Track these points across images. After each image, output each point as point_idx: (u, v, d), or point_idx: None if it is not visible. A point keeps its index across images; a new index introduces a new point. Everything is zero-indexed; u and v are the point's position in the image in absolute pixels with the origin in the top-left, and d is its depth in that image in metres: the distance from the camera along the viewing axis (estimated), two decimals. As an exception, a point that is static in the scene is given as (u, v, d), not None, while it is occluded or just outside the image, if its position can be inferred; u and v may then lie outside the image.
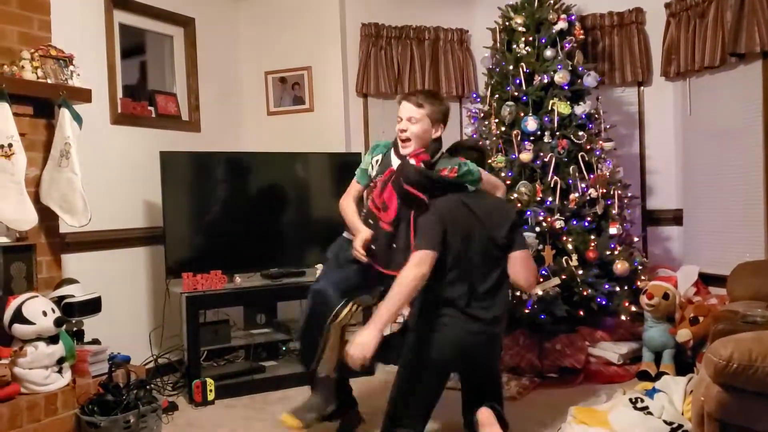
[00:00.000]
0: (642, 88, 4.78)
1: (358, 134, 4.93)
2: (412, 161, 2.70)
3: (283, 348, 4.48)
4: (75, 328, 3.32)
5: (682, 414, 2.60)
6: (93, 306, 3.36)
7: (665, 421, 2.60)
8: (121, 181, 4.04)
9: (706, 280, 4.31)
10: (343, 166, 4.51)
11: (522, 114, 4.02)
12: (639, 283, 3.98)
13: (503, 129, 4.08)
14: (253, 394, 3.86)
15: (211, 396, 3.70)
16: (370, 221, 2.87)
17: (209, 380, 3.70)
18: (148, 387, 3.20)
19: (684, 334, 3.59)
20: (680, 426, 2.51)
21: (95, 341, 3.39)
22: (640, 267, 4.00)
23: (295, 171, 4.44)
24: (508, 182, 3.94)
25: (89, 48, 3.83)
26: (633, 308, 3.90)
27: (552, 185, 3.91)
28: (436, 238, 2.60)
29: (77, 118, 3.31)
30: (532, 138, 3.99)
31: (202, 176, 4.18)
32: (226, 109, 4.91)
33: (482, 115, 4.28)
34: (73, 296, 3.28)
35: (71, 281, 3.41)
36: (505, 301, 2.79)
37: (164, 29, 4.52)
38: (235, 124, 4.98)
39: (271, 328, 4.39)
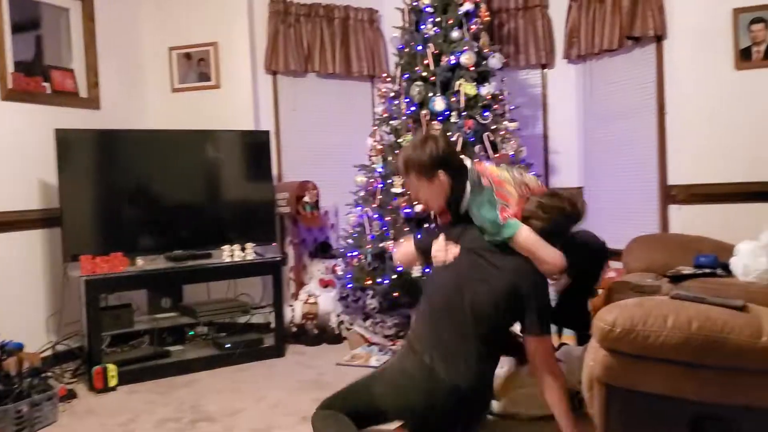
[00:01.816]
0: (545, 70, 4.90)
1: (267, 112, 4.85)
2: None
3: (190, 332, 4.40)
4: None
5: (579, 382, 2.70)
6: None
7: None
8: (14, 161, 3.83)
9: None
10: (252, 144, 4.45)
11: (431, 94, 4.04)
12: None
13: (413, 109, 4.09)
14: (158, 379, 3.77)
15: (113, 382, 3.58)
16: None
17: (111, 366, 3.58)
18: (42, 375, 3.06)
19: (585, 306, 3.72)
20: (577, 393, 2.61)
21: (-15, 328, 3.22)
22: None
23: (202, 149, 4.32)
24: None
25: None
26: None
27: (460, 164, 3.95)
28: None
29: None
30: (440, 118, 4.02)
31: (101, 155, 4.01)
32: (127, 86, 4.72)
33: (393, 94, 4.27)
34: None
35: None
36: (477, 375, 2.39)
37: (60, 1, 4.29)
38: (138, 101, 4.80)
39: (176, 312, 4.28)
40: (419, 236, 2.78)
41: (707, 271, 2.95)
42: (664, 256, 3.43)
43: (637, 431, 1.64)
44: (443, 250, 2.53)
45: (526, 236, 2.38)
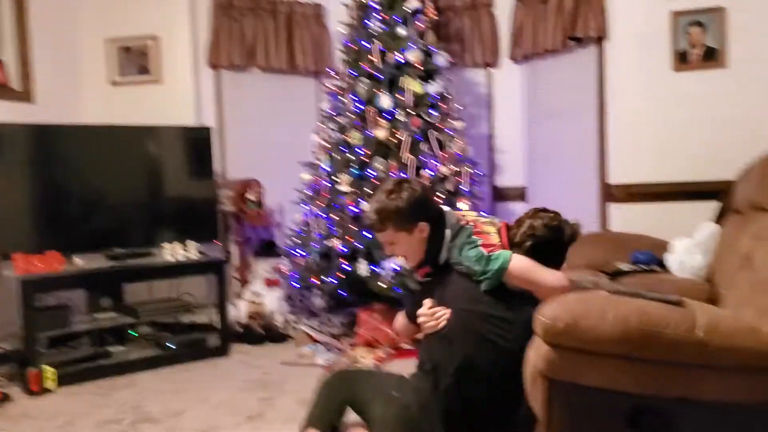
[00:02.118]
0: (491, 69, 4.96)
1: (209, 107, 4.77)
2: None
3: (132, 332, 4.29)
4: None
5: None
6: None
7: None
8: (-58, 155, 3.67)
9: (547, 253, 4.56)
10: (194, 140, 4.37)
11: (377, 91, 4.04)
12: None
13: (359, 106, 4.08)
14: (98, 380, 3.66)
15: (50, 385, 3.47)
16: None
17: (47, 368, 3.47)
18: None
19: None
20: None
21: None
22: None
23: (142, 145, 4.22)
24: (365, 159, 3.97)
25: None
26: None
27: (406, 162, 3.96)
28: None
29: None
30: (386, 115, 4.02)
31: (35, 150, 3.87)
32: (63, 79, 4.57)
33: (338, 91, 4.25)
34: None
35: None
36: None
37: (-11, -11, 4.12)
38: (75, 94, 4.65)
39: (117, 312, 4.16)
40: (407, 308, 2.44)
41: (644, 267, 3.05)
42: (603, 254, 3.52)
43: (578, 423, 1.68)
44: (431, 317, 2.22)
45: (519, 263, 2.13)
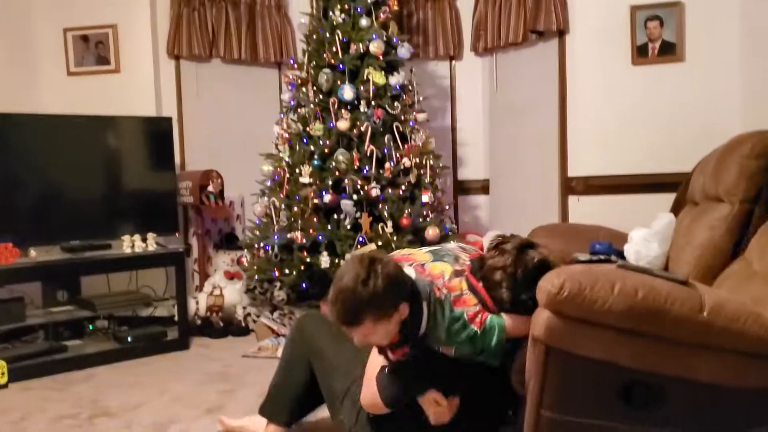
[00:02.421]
0: (453, 62, 4.96)
1: (170, 98, 4.69)
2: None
3: (89, 326, 4.22)
4: None
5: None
6: None
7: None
8: None
9: (509, 245, 4.59)
10: (153, 131, 4.30)
11: (339, 82, 4.02)
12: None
13: (321, 97, 4.06)
14: (54, 374, 3.60)
15: (3, 380, 3.39)
16: None
17: (0, 362, 3.39)
18: None
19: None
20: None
21: None
22: (450, 233, 4.18)
23: (100, 136, 4.14)
24: (327, 150, 3.95)
25: None
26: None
27: (368, 154, 3.95)
28: None
29: None
30: (349, 106, 4.01)
31: (-12, 140, 3.78)
32: (18, 68, 4.46)
33: (300, 81, 4.22)
34: None
35: None
36: None
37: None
38: (30, 84, 4.54)
39: (74, 305, 4.10)
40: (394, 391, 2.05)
41: (602, 257, 3.07)
42: (562, 245, 3.54)
43: (571, 391, 1.69)
44: (445, 409, 1.99)
45: (512, 328, 1.91)
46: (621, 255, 3.09)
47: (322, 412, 2.46)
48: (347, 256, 3.75)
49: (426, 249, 2.19)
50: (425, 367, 1.99)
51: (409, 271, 1.99)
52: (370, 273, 1.87)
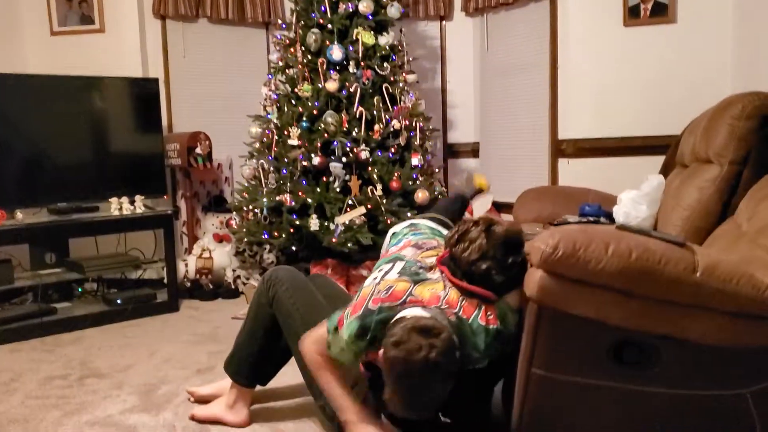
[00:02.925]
0: (444, 22, 4.91)
1: (156, 59, 4.62)
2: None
3: (78, 289, 4.22)
4: None
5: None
6: None
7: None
8: None
9: (498, 207, 4.61)
10: (140, 92, 4.24)
11: (328, 42, 3.97)
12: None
13: (309, 57, 4.01)
14: (43, 337, 3.60)
15: (-8, 342, 3.39)
16: None
17: (-11, 325, 3.39)
18: None
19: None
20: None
21: None
22: (439, 196, 4.17)
23: (86, 97, 4.08)
24: (315, 112, 3.91)
25: None
26: (433, 235, 4.09)
27: (358, 116, 3.92)
28: None
29: None
30: (337, 67, 3.96)
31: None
32: (1, 29, 4.37)
33: (288, 42, 4.16)
34: None
35: None
36: None
37: None
38: (13, 44, 4.46)
39: (62, 268, 4.08)
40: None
41: (591, 219, 3.09)
42: (551, 207, 3.57)
43: (562, 350, 1.70)
44: None
45: (517, 303, 1.88)
46: (610, 217, 3.11)
47: (288, 378, 2.46)
48: (336, 219, 3.74)
49: (390, 269, 2.00)
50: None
51: (417, 311, 1.82)
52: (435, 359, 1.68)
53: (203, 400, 2.59)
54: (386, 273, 1.98)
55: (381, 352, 1.77)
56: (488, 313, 1.84)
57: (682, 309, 1.62)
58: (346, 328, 1.88)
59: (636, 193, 2.97)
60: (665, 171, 3.40)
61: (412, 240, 2.18)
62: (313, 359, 2.05)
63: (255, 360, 2.42)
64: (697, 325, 1.62)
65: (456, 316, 1.82)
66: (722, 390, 1.68)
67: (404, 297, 1.86)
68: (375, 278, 2.00)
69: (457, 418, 1.94)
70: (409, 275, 1.94)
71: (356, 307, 1.90)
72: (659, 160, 3.57)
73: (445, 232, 2.23)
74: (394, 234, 2.38)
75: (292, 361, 2.37)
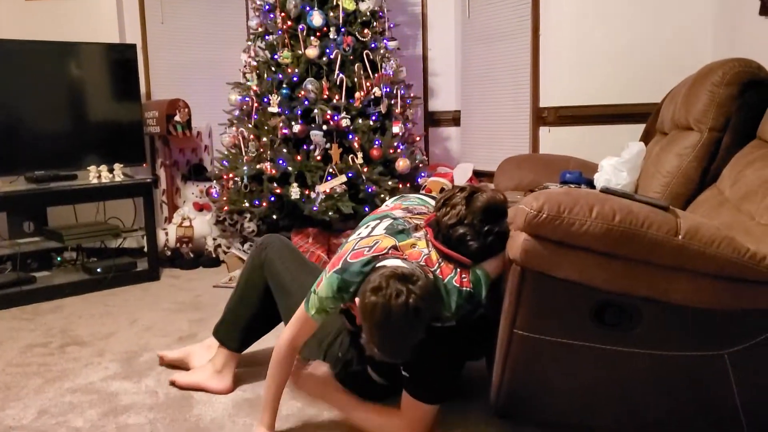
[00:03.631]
0: (425, -12, 4.86)
1: (133, 25, 4.54)
2: None
3: (57, 258, 4.19)
4: None
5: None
6: None
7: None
8: None
9: (479, 176, 4.62)
10: (117, 59, 4.18)
11: (308, 8, 3.91)
12: (419, 180, 4.18)
13: (289, 23, 3.95)
14: (23, 305, 3.58)
15: (-30, 311, 3.36)
16: None
17: (-33, 294, 3.36)
18: None
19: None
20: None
21: None
22: (420, 165, 4.17)
23: (62, 63, 4.01)
24: (296, 79, 3.87)
25: None
26: (414, 203, 4.09)
27: (338, 83, 3.89)
28: None
29: None
30: (318, 34, 3.91)
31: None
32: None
33: (268, 7, 4.10)
34: None
35: None
36: None
37: None
38: (-15, 8, 4.36)
39: (41, 237, 4.04)
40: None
41: (572, 186, 3.11)
42: (532, 175, 3.59)
43: (544, 313, 1.72)
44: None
45: (493, 270, 1.91)
46: (591, 184, 3.13)
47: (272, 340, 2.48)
48: (317, 188, 3.73)
49: (376, 225, 2.03)
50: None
51: (396, 261, 1.85)
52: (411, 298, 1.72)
53: (173, 365, 2.63)
54: (372, 229, 2.02)
55: (358, 299, 1.80)
56: (463, 276, 1.88)
57: (665, 271, 1.64)
58: (326, 283, 1.90)
59: (617, 160, 2.99)
60: (646, 138, 3.43)
61: (402, 204, 2.20)
62: (279, 349, 2.03)
63: (246, 324, 2.44)
64: (678, 287, 1.64)
65: (433, 275, 1.86)
66: (701, 351, 1.72)
67: (386, 251, 1.89)
68: (359, 233, 2.03)
69: (422, 377, 1.96)
70: (394, 233, 1.97)
71: (337, 261, 1.92)
72: (640, 128, 3.59)
73: (433, 202, 2.25)
74: (385, 205, 2.38)
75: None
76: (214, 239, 4.43)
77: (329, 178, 3.76)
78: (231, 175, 3.96)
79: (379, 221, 2.05)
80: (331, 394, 2.13)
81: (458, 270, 1.88)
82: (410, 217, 2.08)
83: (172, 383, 2.48)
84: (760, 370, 1.72)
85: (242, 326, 2.44)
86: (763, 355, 1.69)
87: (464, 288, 1.86)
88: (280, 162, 3.77)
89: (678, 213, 1.70)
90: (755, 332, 1.68)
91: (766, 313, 1.65)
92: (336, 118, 3.77)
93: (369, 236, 1.97)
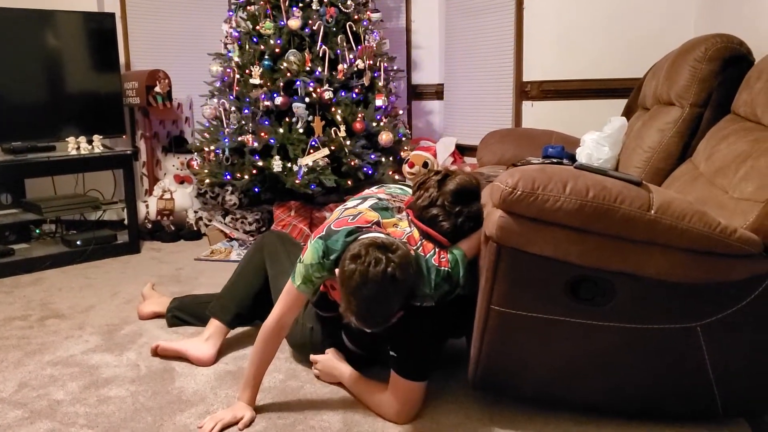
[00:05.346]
0: (409, -41, 4.81)
1: (111, -7, 4.46)
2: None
3: (36, 230, 4.14)
4: None
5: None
6: None
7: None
8: None
9: (462, 150, 4.62)
10: (96, 28, 4.11)
11: (290, -22, 3.86)
12: (402, 153, 4.17)
13: (271, -6, 3.90)
14: (1, 278, 3.54)
15: (-53, 283, 3.33)
16: None
17: (-56, 266, 3.32)
18: None
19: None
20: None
21: None
22: (403, 138, 4.16)
23: (39, 32, 3.93)
24: (278, 50, 3.83)
25: None
26: (396, 177, 4.09)
27: (321, 55, 3.85)
28: None
29: None
30: (300, 4, 3.87)
31: None
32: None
33: (249, -22, 4.04)
34: None
35: None
36: None
37: None
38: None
39: (19, 209, 4.00)
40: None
41: (554, 161, 3.11)
42: (514, 149, 3.58)
43: (519, 289, 1.74)
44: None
45: (469, 250, 1.94)
46: (573, 158, 3.13)
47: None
48: (299, 161, 3.71)
49: (361, 202, 2.07)
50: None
51: (377, 234, 1.88)
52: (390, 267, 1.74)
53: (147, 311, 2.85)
54: (358, 204, 2.06)
55: (338, 269, 1.82)
56: (442, 256, 1.92)
57: (638, 246, 1.66)
58: (311, 249, 1.92)
59: (598, 134, 2.99)
60: (628, 113, 3.43)
61: (385, 190, 2.22)
62: (266, 326, 2.03)
63: (240, 302, 2.48)
64: (651, 261, 1.66)
65: (415, 252, 1.90)
66: (674, 324, 1.74)
67: (370, 224, 1.93)
68: (345, 206, 2.08)
69: (408, 356, 1.99)
70: (379, 209, 2.02)
71: (321, 229, 1.96)
72: (622, 103, 3.60)
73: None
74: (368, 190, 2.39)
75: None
76: (196, 212, 4.41)
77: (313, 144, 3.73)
78: (212, 148, 3.93)
79: (363, 199, 2.10)
80: (338, 368, 2.21)
81: (437, 250, 1.93)
82: (393, 200, 2.13)
83: (155, 349, 2.48)
84: (732, 342, 1.75)
85: (237, 302, 2.48)
86: (733, 326, 1.72)
87: (442, 267, 1.90)
88: (263, 135, 3.74)
89: (651, 188, 1.71)
90: (727, 304, 1.71)
91: (737, 285, 1.68)
92: (310, 85, 3.74)
93: (354, 208, 2.02)
